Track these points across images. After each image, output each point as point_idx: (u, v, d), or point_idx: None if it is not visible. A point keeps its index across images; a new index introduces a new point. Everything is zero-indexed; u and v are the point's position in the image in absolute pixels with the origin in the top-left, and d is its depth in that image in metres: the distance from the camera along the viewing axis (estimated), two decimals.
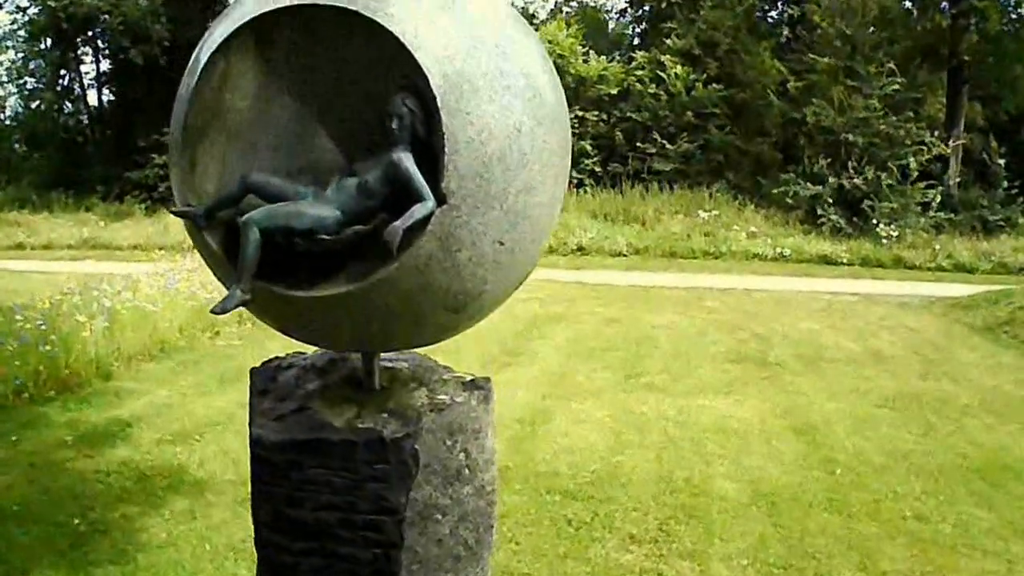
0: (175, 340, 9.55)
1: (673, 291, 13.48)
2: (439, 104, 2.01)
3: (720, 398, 7.67)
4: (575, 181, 21.12)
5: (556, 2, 38.76)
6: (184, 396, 7.79)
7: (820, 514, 5.34)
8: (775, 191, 20.56)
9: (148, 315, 9.33)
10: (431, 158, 2.06)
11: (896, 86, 20.34)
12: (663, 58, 23.41)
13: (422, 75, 2.01)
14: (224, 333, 10.15)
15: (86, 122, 31.44)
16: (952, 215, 19.37)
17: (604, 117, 23.59)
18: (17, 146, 33.71)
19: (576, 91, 23.13)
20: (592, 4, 38.83)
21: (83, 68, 30.58)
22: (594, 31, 31.57)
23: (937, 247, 17.70)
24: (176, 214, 2.28)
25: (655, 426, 6.89)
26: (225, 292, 2.28)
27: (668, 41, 23.86)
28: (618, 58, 27.25)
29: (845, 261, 17.35)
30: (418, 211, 2.02)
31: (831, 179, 19.85)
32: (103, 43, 29.27)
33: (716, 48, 23.64)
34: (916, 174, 19.35)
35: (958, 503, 5.52)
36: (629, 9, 31.03)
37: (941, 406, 7.56)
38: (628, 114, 23.45)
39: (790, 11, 25.95)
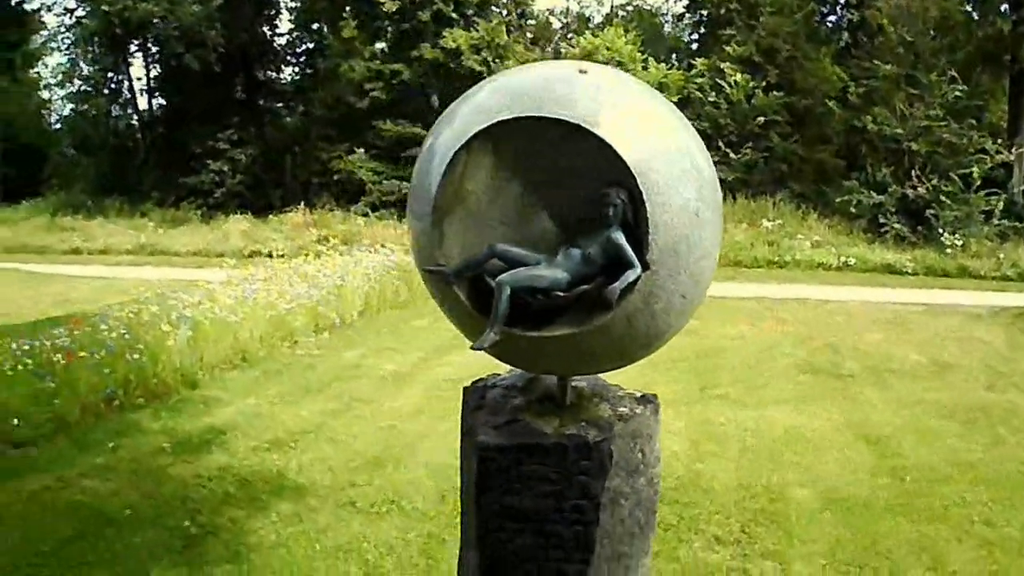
0: (255, 350, 9.81)
1: (741, 302, 13.61)
2: (645, 198, 2.60)
3: (793, 409, 7.93)
4: None
5: (612, 5, 38.84)
6: (272, 405, 8.06)
7: (891, 519, 5.65)
8: (839, 200, 20.55)
9: (229, 325, 9.52)
10: (634, 234, 2.66)
11: (958, 93, 20.21)
12: (723, 65, 23.47)
13: (630, 175, 2.59)
14: (302, 343, 10.51)
15: (137, 127, 31.43)
16: (1016, 223, 19.15)
17: None
18: (66, 150, 33.71)
19: None
20: (648, 8, 38.91)
21: (132, 72, 30.60)
22: (651, 37, 31.67)
23: (1002, 256, 17.64)
24: (429, 271, 2.84)
25: (732, 436, 7.22)
26: (456, 332, 3.07)
27: (728, 48, 23.90)
28: (676, 64, 27.33)
29: (910, 271, 17.43)
30: (630, 275, 2.62)
31: (894, 187, 19.83)
32: (155, 48, 29.17)
33: (776, 55, 23.60)
34: (979, 182, 19.25)
35: None
36: (687, 14, 30.99)
37: (1009, 416, 7.75)
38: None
39: (849, 16, 25.91)
